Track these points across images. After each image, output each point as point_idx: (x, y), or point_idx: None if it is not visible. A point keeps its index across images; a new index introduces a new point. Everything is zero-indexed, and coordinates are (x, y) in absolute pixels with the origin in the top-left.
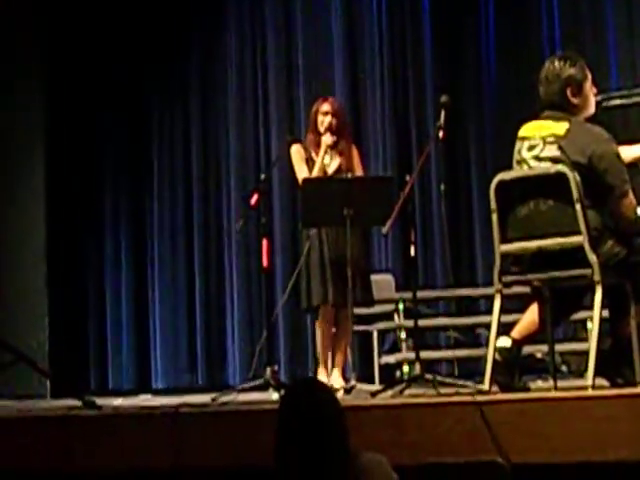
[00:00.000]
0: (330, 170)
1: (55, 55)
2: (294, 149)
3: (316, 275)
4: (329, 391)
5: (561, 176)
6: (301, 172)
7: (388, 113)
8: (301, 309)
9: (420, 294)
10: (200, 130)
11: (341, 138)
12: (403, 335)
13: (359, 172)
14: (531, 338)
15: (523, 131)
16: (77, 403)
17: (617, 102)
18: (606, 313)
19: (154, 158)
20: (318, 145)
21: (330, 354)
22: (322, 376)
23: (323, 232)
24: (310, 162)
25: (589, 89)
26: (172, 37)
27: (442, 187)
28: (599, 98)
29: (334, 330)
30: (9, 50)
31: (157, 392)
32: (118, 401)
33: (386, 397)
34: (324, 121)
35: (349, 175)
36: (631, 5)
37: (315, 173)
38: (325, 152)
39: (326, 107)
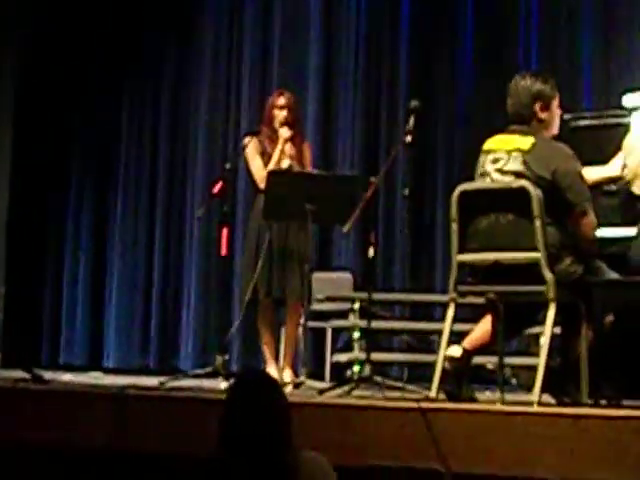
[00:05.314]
0: (284, 165)
1: (25, 53)
2: (249, 142)
3: (265, 268)
4: (276, 385)
5: (523, 191)
6: (255, 165)
7: (359, 114)
8: (243, 300)
9: (377, 296)
10: (170, 116)
11: (295, 132)
12: (357, 335)
13: (309, 168)
14: (482, 349)
15: (488, 144)
16: (25, 375)
17: (586, 122)
18: (558, 330)
19: (122, 140)
20: (272, 139)
21: (281, 347)
22: (272, 370)
23: (273, 225)
24: (265, 156)
25: (556, 108)
26: (146, 28)
27: (406, 191)
28: (568, 117)
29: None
30: None
31: (107, 371)
32: (67, 377)
33: (333, 396)
34: (279, 115)
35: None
36: (607, 29)
37: (271, 167)
38: (283, 146)
39: (282, 101)
